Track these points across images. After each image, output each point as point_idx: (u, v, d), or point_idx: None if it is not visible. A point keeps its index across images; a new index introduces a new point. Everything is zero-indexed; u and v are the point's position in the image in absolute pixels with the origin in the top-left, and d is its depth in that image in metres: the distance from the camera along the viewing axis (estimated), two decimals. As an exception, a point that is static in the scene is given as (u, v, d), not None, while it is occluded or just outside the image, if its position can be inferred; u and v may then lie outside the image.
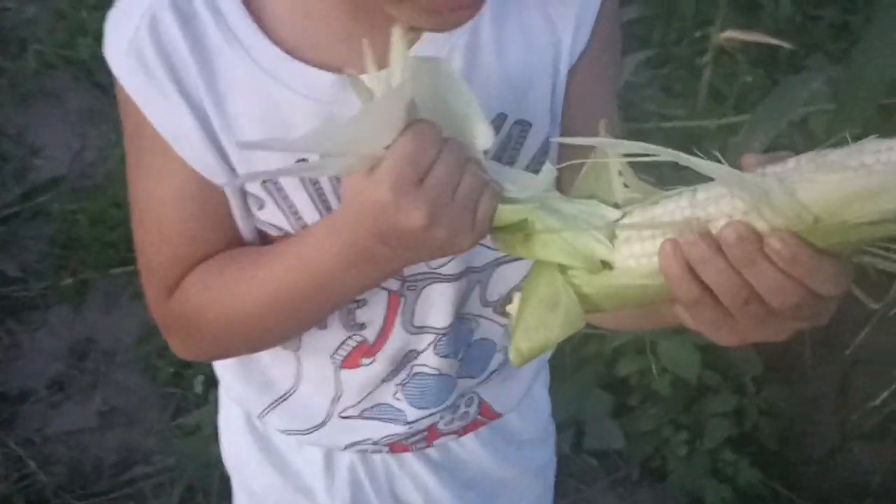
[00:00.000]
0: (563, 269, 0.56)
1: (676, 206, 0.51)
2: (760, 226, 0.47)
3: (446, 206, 0.54)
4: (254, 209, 0.69)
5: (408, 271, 0.73)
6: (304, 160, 0.64)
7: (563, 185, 0.63)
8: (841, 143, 0.47)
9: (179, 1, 0.64)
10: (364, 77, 0.56)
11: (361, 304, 0.75)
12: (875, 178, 0.44)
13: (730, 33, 1.78)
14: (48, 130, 2.49)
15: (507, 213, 0.57)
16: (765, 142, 1.13)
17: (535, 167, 0.71)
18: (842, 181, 0.45)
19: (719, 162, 0.48)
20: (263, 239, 0.72)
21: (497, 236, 0.59)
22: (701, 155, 0.48)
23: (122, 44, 0.64)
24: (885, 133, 0.48)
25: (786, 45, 1.72)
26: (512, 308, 0.59)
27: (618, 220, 0.54)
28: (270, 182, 0.68)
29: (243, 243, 0.71)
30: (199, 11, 0.64)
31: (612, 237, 0.54)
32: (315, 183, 0.68)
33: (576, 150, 0.62)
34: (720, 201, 0.49)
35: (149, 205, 0.70)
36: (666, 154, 0.49)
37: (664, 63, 2.37)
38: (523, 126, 0.71)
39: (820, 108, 1.33)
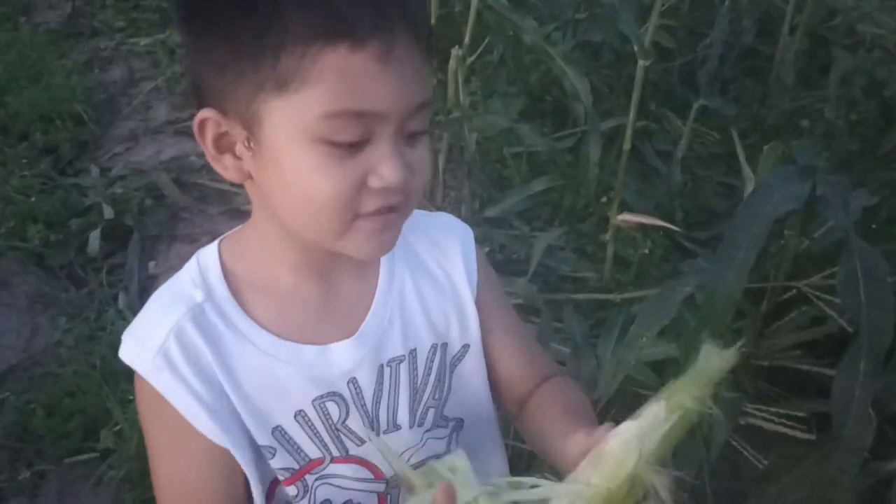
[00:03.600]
0: None
1: None
2: None
3: None
4: (268, 458, 0.89)
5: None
6: (302, 412, 0.90)
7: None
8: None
9: (198, 315, 0.87)
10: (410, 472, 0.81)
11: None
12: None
13: (625, 216, 2.03)
14: (-3, 318, 2.58)
15: None
16: (651, 336, 1.35)
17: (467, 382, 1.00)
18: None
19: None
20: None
21: None
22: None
23: (150, 348, 0.85)
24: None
25: (673, 227, 2.00)
26: None
27: None
28: (277, 431, 0.89)
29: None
30: (213, 321, 0.87)
31: None
32: (309, 423, 0.90)
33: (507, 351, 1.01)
34: None
35: (172, 481, 0.87)
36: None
37: (575, 228, 2.62)
38: (444, 349, 0.98)
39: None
